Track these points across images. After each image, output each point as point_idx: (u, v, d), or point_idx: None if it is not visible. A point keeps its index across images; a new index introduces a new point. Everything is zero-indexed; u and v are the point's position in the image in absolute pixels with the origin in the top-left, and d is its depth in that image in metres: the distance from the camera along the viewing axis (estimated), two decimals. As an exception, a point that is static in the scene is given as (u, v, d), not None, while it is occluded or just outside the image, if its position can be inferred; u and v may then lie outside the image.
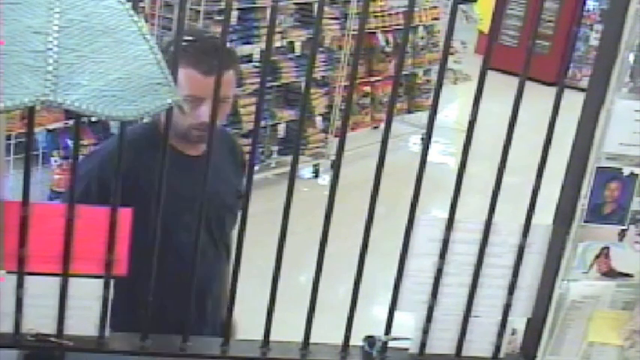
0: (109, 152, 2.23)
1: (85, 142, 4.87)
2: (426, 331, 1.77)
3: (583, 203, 1.71)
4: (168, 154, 2.14)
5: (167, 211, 1.67)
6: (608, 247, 1.76)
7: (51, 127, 4.81)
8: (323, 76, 6.39)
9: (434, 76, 7.31)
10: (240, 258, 1.69)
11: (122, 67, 1.34)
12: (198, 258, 1.67)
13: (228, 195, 2.35)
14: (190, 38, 2.23)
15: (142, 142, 2.05)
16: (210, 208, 1.80)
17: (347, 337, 1.75)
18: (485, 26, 7.70)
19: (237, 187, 2.44)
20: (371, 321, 2.14)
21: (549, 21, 9.68)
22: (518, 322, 1.83)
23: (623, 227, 1.75)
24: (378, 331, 1.78)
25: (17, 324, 1.61)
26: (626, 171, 1.70)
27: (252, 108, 5.57)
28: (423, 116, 7.20)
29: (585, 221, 1.72)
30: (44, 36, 1.31)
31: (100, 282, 1.62)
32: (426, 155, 1.65)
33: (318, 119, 6.50)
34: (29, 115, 1.51)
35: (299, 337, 1.79)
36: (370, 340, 1.75)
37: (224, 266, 2.40)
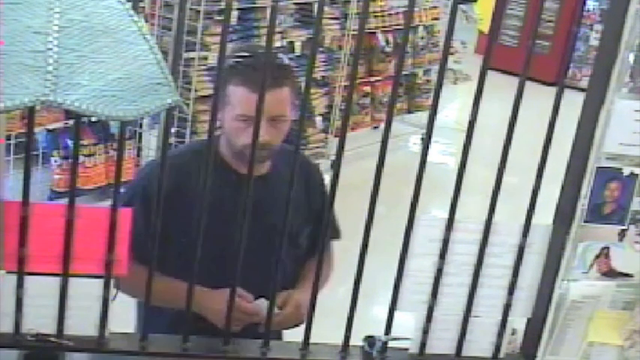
0: (158, 165, 2.20)
1: (85, 142, 4.88)
2: (426, 331, 1.77)
3: (583, 203, 1.71)
4: (223, 172, 2.10)
5: (217, 229, 1.70)
6: (608, 247, 1.76)
7: (51, 127, 4.80)
8: (323, 76, 6.38)
9: (434, 76, 7.30)
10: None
11: (122, 67, 1.34)
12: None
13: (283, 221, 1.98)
14: (242, 54, 2.14)
15: (197, 159, 1.89)
16: (259, 230, 1.77)
17: (347, 337, 1.75)
18: (485, 26, 7.69)
19: (307, 217, 2.22)
20: (371, 321, 2.14)
21: (549, 21, 9.67)
22: (518, 322, 1.83)
23: (623, 227, 1.75)
24: (378, 331, 1.78)
25: (17, 324, 1.61)
26: (626, 171, 1.70)
27: (252, 108, 5.56)
28: (423, 116, 7.19)
29: (585, 221, 1.72)
30: (44, 36, 1.31)
31: (100, 282, 1.62)
32: (426, 155, 1.65)
33: (318, 119, 6.49)
34: (29, 115, 1.51)
35: (299, 337, 1.79)
36: (370, 340, 1.75)
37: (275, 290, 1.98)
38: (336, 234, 2.38)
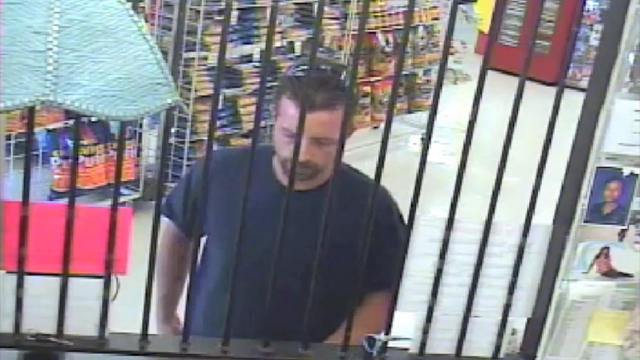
0: (200, 163, 2.26)
1: (85, 142, 4.88)
2: (426, 331, 1.77)
3: (583, 203, 1.71)
4: (267, 181, 2.05)
5: (250, 236, 1.67)
6: (608, 247, 1.75)
7: (51, 127, 4.81)
8: (323, 76, 6.38)
9: (434, 76, 7.31)
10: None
11: (122, 67, 1.34)
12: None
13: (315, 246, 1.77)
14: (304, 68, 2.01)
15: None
16: (290, 245, 1.69)
17: (347, 337, 1.75)
18: (485, 26, 7.69)
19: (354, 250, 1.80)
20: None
21: (549, 21, 9.68)
22: (518, 322, 1.83)
23: (623, 227, 1.75)
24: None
25: (17, 324, 1.61)
26: (626, 171, 1.70)
27: (252, 108, 5.57)
28: (423, 116, 7.20)
29: (585, 221, 1.72)
30: (44, 36, 1.31)
31: (100, 282, 1.62)
32: (426, 155, 1.65)
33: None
34: (29, 115, 1.50)
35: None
36: (370, 340, 1.75)
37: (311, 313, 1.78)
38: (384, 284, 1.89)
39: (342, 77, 2.07)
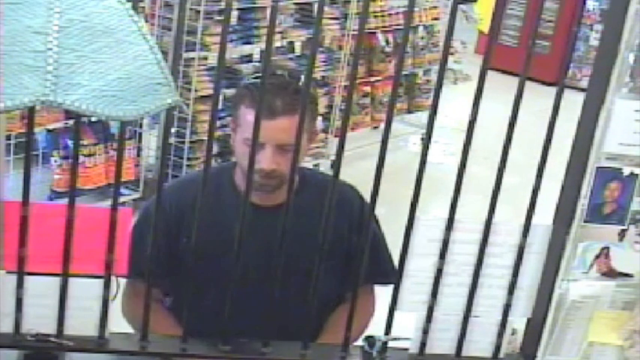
0: (168, 186, 2.15)
1: (85, 142, 4.88)
2: (426, 331, 1.77)
3: (583, 203, 1.71)
4: (233, 200, 1.95)
5: (229, 259, 1.65)
6: (608, 247, 1.76)
7: (51, 127, 4.80)
8: (323, 76, 6.38)
9: (434, 76, 7.30)
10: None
11: (122, 67, 1.34)
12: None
13: (300, 257, 1.82)
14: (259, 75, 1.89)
15: (210, 184, 1.81)
16: (272, 263, 1.67)
17: (347, 337, 1.75)
18: (485, 26, 7.69)
19: (333, 253, 1.81)
20: (371, 321, 2.14)
21: (549, 21, 9.67)
22: (518, 322, 1.83)
23: (623, 227, 1.75)
24: (378, 331, 1.78)
25: (17, 324, 1.61)
26: (626, 171, 1.70)
27: (252, 108, 5.56)
28: (423, 116, 7.19)
29: (585, 221, 1.72)
30: (44, 36, 1.31)
31: (100, 282, 1.62)
32: (426, 155, 1.65)
33: (318, 119, 6.49)
34: (29, 115, 1.50)
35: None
36: (370, 340, 1.75)
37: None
38: (384, 277, 2.09)
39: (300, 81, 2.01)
